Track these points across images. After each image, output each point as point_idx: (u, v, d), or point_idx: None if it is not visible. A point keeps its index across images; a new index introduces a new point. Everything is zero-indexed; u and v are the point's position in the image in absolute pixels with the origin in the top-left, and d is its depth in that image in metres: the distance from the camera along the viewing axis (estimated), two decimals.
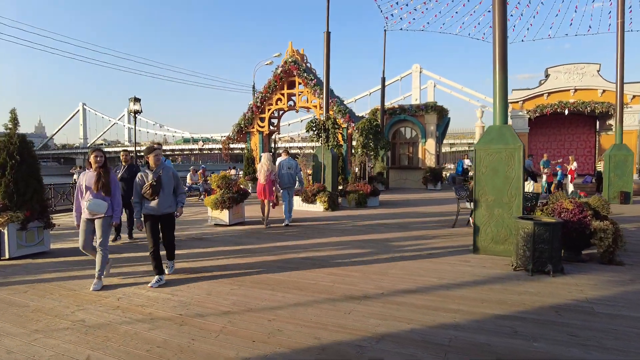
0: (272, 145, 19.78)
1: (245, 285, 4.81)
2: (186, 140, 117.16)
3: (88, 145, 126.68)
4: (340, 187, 13.62)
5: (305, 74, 17.18)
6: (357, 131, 13.73)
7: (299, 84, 17.92)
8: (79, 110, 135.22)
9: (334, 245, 6.94)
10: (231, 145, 21.26)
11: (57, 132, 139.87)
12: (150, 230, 4.87)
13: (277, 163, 9.62)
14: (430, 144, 21.49)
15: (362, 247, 6.80)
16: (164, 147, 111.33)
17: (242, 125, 18.53)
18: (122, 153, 7.96)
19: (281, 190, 9.37)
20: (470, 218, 8.48)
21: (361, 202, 12.45)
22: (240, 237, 7.74)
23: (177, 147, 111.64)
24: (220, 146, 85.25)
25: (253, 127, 18.66)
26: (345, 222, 9.61)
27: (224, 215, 9.02)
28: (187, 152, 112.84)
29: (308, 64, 17.98)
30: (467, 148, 64.09)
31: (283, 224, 9.12)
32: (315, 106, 17.62)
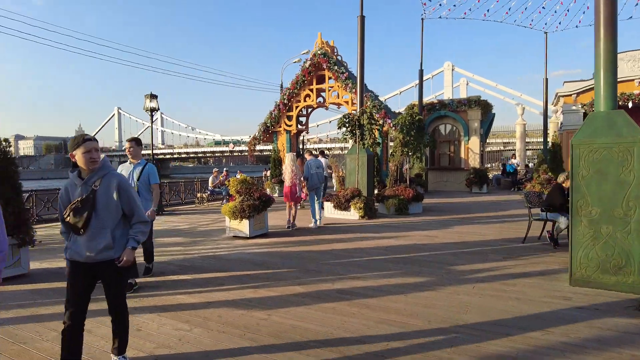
0: (301, 145, 18.44)
1: (258, 341, 3.39)
2: (217, 143, 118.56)
3: (123, 147, 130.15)
4: (376, 192, 12.08)
5: (335, 67, 15.73)
6: (395, 127, 12.17)
7: (329, 78, 16.49)
8: (114, 115, 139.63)
9: (378, 270, 5.44)
10: (260, 147, 20.16)
11: (94, 135, 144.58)
12: (71, 288, 2.69)
13: (306, 164, 9.19)
14: (474, 142, 19.57)
15: (415, 273, 5.26)
16: (196, 150, 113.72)
17: (268, 124, 17.30)
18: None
19: (309, 191, 9.06)
20: (548, 232, 6.75)
21: (402, 208, 10.87)
22: (262, 256, 6.36)
23: (208, 149, 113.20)
24: (260, 147, 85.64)
25: (280, 126, 17.39)
26: (386, 234, 8.09)
27: (243, 226, 7.70)
28: (218, 155, 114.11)
29: (339, 57, 16.53)
30: (502, 148, 60.72)
31: (311, 225, 8.92)
32: (347, 102, 16.14)
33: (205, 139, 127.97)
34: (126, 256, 2.74)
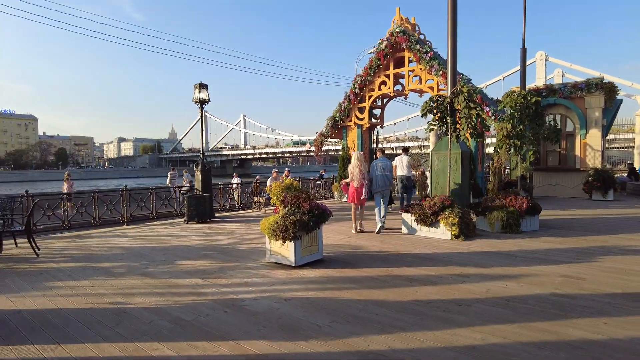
0: (375, 144, 15.95)
1: None
2: (295, 143, 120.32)
3: (210, 148, 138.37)
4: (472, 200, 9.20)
5: (417, 46, 12.98)
6: (496, 115, 9.15)
7: (410, 61, 13.77)
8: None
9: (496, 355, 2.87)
10: (326, 146, 18.06)
11: (183, 137, 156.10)
12: None
13: (373, 164, 8.23)
14: (594, 136, 15.50)
15: None
16: (275, 150, 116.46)
17: (337, 119, 15.07)
18: None
19: (373, 194, 8.20)
20: None
21: (511, 225, 7.92)
22: (305, 309, 4.07)
23: (286, 149, 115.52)
24: (327, 148, 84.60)
25: (350, 120, 15.06)
26: (499, 269, 5.35)
27: (287, 251, 5.52)
28: (295, 154, 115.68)
29: (421, 36, 13.72)
30: (632, 144, 51.56)
31: (375, 231, 8.10)
32: (431, 88, 13.28)
33: (284, 139, 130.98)
34: None
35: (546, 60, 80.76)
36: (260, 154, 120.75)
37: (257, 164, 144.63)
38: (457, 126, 8.03)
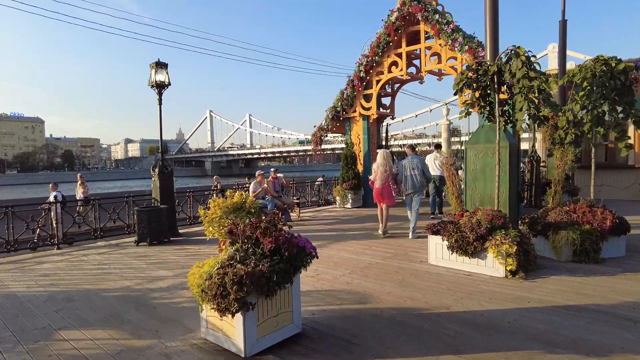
0: (384, 140, 13.40)
1: None
2: (301, 142, 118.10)
3: (215, 148, 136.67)
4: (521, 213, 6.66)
5: (437, 16, 10.41)
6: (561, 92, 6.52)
7: (426, 37, 11.20)
8: (206, 117, 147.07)
9: None
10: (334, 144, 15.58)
11: (189, 137, 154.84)
12: None
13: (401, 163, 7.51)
14: None
15: None
16: (281, 149, 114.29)
17: (338, 109, 12.54)
18: None
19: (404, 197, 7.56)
20: None
21: (588, 250, 5.37)
22: None
23: (292, 148, 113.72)
24: (334, 146, 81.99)
25: (354, 110, 12.52)
26: (595, 344, 2.82)
27: (231, 327, 3.02)
28: (301, 153, 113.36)
29: (439, 7, 11.13)
30: None
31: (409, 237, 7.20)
32: (454, 68, 10.71)
33: (289, 138, 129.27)
34: None
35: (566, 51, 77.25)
36: (266, 153, 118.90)
37: (264, 163, 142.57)
38: (506, 107, 5.49)
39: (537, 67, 5.04)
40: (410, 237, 7.27)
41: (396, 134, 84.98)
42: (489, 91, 5.53)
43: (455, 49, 10.15)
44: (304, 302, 3.71)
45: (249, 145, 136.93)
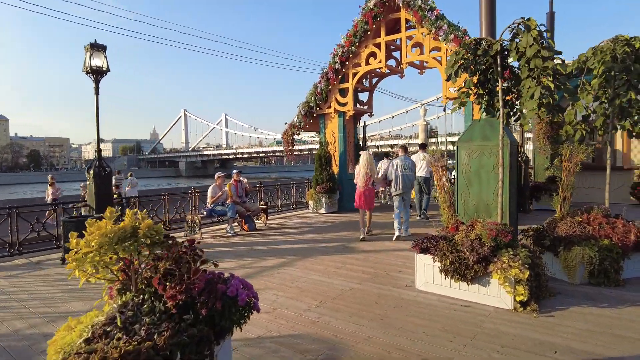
0: (362, 140, 12.37)
1: None
2: (278, 142, 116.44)
3: (190, 148, 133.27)
4: (522, 225, 5.68)
5: (419, 2, 9.42)
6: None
7: (408, 26, 10.19)
8: (180, 117, 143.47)
9: None
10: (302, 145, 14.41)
11: (163, 137, 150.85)
12: None
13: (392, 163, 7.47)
14: None
15: None
16: (258, 150, 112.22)
17: (311, 104, 11.38)
18: None
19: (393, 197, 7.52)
20: None
21: (607, 271, 4.41)
22: None
23: (269, 148, 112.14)
24: (311, 147, 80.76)
25: (329, 106, 11.39)
26: None
27: None
28: (278, 154, 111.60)
29: None
30: None
31: (393, 238, 7.08)
32: (436, 59, 9.75)
33: (266, 138, 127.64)
34: None
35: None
36: (242, 153, 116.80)
37: (240, 163, 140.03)
38: (510, 96, 4.47)
39: (552, 45, 4.01)
40: (403, 234, 7.13)
41: (373, 135, 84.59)
42: (489, 76, 4.49)
43: (440, 37, 9.18)
44: None
45: (224, 146, 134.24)
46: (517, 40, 4.16)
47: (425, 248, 4.43)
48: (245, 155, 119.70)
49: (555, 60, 4.12)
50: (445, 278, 4.22)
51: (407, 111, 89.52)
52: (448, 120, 49.83)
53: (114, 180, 18.16)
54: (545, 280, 4.15)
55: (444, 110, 49.24)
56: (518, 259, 3.80)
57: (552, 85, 3.84)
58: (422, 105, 49.35)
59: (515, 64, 4.43)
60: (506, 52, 4.37)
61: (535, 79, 3.99)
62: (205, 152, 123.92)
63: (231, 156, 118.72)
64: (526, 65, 4.08)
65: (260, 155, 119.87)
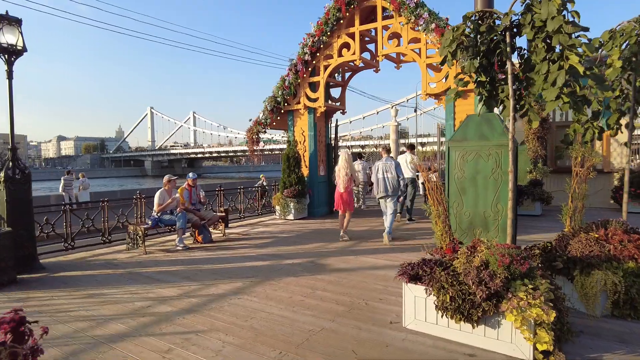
0: (334, 140, 11.41)
1: None
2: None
3: (156, 147, 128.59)
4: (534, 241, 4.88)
5: None
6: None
7: (385, 15, 9.31)
8: (147, 114, 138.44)
9: None
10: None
11: (128, 135, 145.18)
12: None
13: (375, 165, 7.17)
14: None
15: None
16: (227, 149, 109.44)
17: (279, 99, 10.30)
18: None
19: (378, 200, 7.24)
20: None
21: (635, 301, 3.61)
22: None
23: (239, 148, 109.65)
24: (282, 147, 79.23)
25: (298, 102, 10.35)
26: None
27: None
28: (248, 154, 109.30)
29: None
30: None
31: (386, 239, 6.84)
32: (417, 52, 8.91)
33: (236, 137, 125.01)
34: None
35: None
36: (211, 152, 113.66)
37: (209, 163, 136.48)
38: (524, 82, 3.60)
39: (577, 20, 3.15)
40: (385, 241, 6.85)
41: (344, 135, 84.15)
42: (492, 60, 3.59)
43: (420, 27, 8.33)
44: None
45: (192, 144, 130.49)
46: (531, 13, 3.27)
47: (415, 276, 3.47)
48: (214, 155, 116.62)
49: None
50: (441, 316, 3.28)
51: (377, 112, 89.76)
52: (418, 121, 49.85)
53: (62, 181, 16.42)
54: (566, 318, 3.29)
55: (415, 111, 49.27)
56: (539, 294, 2.90)
57: (581, 69, 2.96)
58: (393, 106, 49.17)
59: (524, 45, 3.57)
60: (515, 30, 3.49)
61: (555, 61, 3.11)
62: (172, 151, 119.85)
63: (199, 155, 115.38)
64: (544, 44, 3.20)
65: (230, 154, 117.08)
